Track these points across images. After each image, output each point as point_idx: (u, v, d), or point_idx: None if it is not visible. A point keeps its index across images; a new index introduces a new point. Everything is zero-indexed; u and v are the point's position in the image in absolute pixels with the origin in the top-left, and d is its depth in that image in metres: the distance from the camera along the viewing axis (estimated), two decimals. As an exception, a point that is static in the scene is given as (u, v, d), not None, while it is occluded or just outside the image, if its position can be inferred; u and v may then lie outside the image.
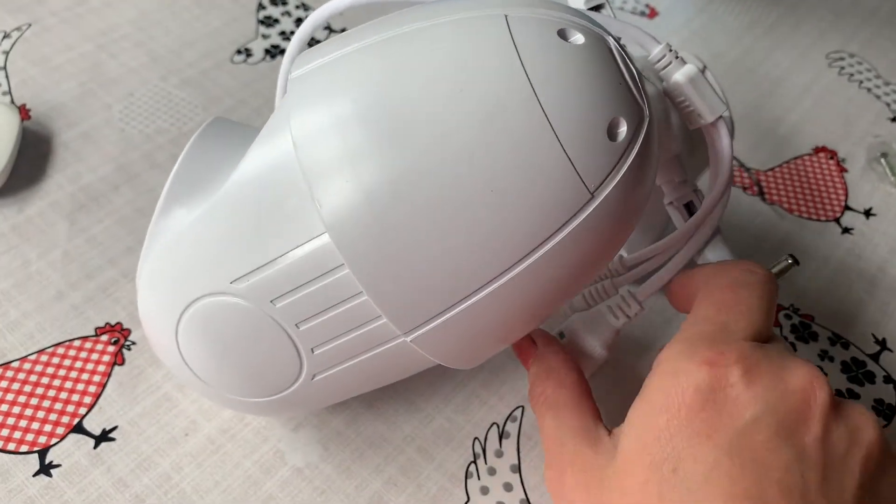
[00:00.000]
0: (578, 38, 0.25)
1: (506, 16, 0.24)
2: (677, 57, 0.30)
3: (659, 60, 0.31)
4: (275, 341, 0.26)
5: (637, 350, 0.37)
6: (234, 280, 0.26)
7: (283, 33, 0.50)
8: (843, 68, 0.54)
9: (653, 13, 0.56)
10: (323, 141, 0.24)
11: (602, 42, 0.25)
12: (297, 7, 0.52)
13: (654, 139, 0.26)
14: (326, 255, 0.24)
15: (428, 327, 0.25)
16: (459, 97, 0.23)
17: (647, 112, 0.25)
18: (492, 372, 0.36)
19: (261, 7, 0.51)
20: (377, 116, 0.24)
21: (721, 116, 0.30)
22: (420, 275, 0.24)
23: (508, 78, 0.23)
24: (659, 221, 0.36)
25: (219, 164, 0.27)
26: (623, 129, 0.24)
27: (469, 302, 0.25)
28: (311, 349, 0.26)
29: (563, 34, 0.24)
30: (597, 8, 0.33)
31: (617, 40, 0.26)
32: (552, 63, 0.24)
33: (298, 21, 0.51)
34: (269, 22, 0.50)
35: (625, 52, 0.26)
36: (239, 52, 0.48)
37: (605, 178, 0.24)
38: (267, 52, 0.48)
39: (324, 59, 0.26)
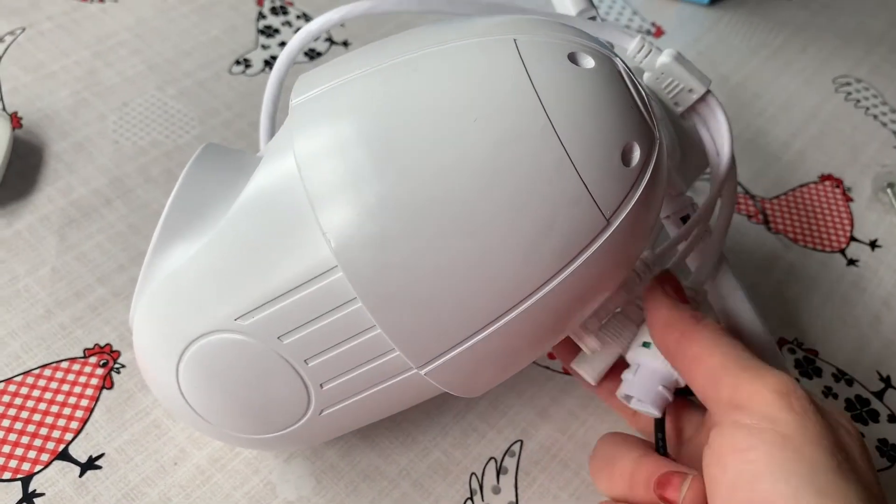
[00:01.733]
0: (588, 61, 0.24)
1: (515, 40, 0.24)
2: (654, 47, 0.31)
3: (639, 52, 0.31)
4: (282, 378, 0.25)
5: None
6: (239, 316, 0.25)
7: (283, 44, 0.49)
8: (849, 94, 0.53)
9: (659, 32, 0.55)
10: (329, 167, 0.23)
11: (611, 65, 0.24)
12: (299, 17, 0.51)
13: (664, 161, 0.25)
14: (338, 289, 0.24)
15: (443, 360, 0.24)
16: (473, 125, 0.23)
17: (657, 135, 0.25)
18: (490, 403, 0.35)
19: (261, 16, 0.50)
20: (386, 143, 0.23)
21: (709, 90, 0.31)
22: (436, 307, 0.23)
23: (523, 105, 0.23)
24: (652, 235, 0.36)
25: (217, 194, 0.26)
26: (637, 154, 0.24)
27: (484, 333, 0.24)
28: (321, 385, 0.25)
29: (573, 58, 0.24)
30: (591, 19, 0.33)
31: (623, 60, 0.26)
32: (565, 89, 0.23)
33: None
34: (269, 32, 0.49)
35: (632, 72, 0.25)
36: (238, 62, 0.47)
37: (621, 204, 0.24)
38: (266, 63, 0.47)
39: (326, 84, 0.25)
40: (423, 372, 0.25)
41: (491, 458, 0.33)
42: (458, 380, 0.26)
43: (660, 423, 0.30)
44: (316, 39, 0.48)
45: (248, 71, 0.47)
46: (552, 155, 0.23)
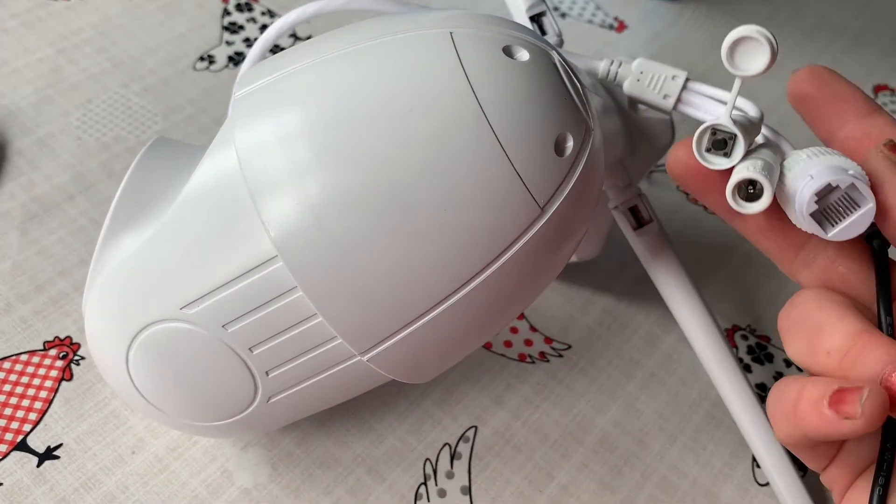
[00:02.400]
0: (523, 54, 0.25)
1: (451, 33, 0.24)
2: (620, 63, 0.31)
3: (609, 69, 0.31)
4: (228, 366, 0.26)
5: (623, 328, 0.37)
6: (185, 305, 0.25)
7: (247, 40, 0.49)
8: (808, 86, 0.54)
9: (622, 27, 0.56)
10: (269, 158, 0.24)
11: (547, 57, 0.25)
12: (263, 13, 0.51)
13: (599, 151, 0.26)
14: (278, 278, 0.24)
15: (384, 346, 0.25)
16: (408, 116, 0.23)
17: (592, 125, 0.25)
18: (446, 391, 0.35)
19: (226, 13, 0.51)
20: (325, 134, 0.23)
21: (688, 77, 0.31)
22: (375, 295, 0.24)
23: (457, 97, 0.23)
24: (605, 226, 0.36)
25: (164, 185, 0.27)
26: (570, 144, 0.24)
27: (425, 319, 0.25)
28: (266, 372, 0.26)
29: (508, 51, 0.25)
30: (538, 16, 0.33)
31: (559, 53, 0.26)
32: (499, 81, 0.24)
33: (263, 27, 0.50)
34: (233, 28, 0.50)
35: (568, 64, 0.26)
36: (202, 58, 0.48)
37: (554, 193, 0.24)
38: (230, 59, 0.48)
39: (268, 77, 0.25)
40: (365, 359, 0.25)
41: (445, 444, 0.34)
42: (403, 366, 0.26)
43: (883, 281, 0.22)
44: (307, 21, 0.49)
45: (212, 67, 0.47)
46: (486, 145, 0.23)
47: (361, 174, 0.23)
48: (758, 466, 0.35)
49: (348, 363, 0.26)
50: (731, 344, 0.39)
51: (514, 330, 0.38)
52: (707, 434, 0.36)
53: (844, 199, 0.22)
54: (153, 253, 0.26)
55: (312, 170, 0.23)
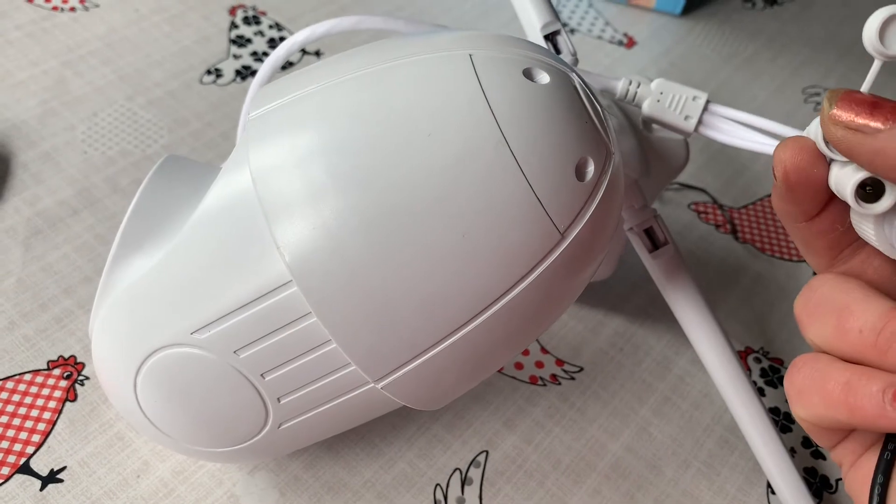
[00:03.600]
0: (544, 77, 0.24)
1: (470, 55, 0.24)
2: (639, 84, 0.31)
3: (628, 89, 0.31)
4: (239, 392, 0.25)
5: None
6: (196, 330, 0.25)
7: (254, 54, 0.49)
8: (818, 104, 0.54)
9: (631, 43, 0.55)
10: (284, 180, 0.23)
11: (567, 80, 0.25)
12: (271, 27, 0.51)
13: (619, 175, 0.25)
14: (292, 303, 0.24)
15: (399, 373, 0.25)
16: (427, 141, 0.23)
17: (612, 149, 0.25)
18: (456, 414, 0.35)
19: (233, 26, 0.50)
20: (341, 157, 0.23)
21: (709, 99, 0.30)
22: (391, 321, 0.24)
23: (477, 121, 0.23)
24: (619, 246, 0.36)
25: (176, 206, 0.26)
26: (591, 169, 0.24)
27: (441, 346, 0.24)
28: (278, 399, 0.26)
29: (528, 74, 0.24)
30: (553, 35, 0.33)
31: (579, 75, 0.26)
32: (519, 105, 0.23)
33: (271, 41, 0.50)
34: (241, 42, 0.49)
35: (588, 86, 0.26)
36: (209, 72, 0.47)
37: (575, 218, 0.24)
38: (238, 72, 0.47)
39: (283, 98, 0.25)
40: (379, 386, 0.25)
41: (456, 469, 0.33)
42: (416, 393, 0.26)
43: None
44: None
45: (219, 81, 0.47)
46: (506, 170, 0.23)
47: (378, 199, 0.23)
48: (773, 492, 0.34)
49: (362, 390, 0.25)
50: (745, 367, 0.39)
51: (525, 352, 0.38)
52: (720, 459, 0.35)
53: None
54: (164, 276, 0.25)
55: (329, 193, 0.23)
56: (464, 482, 0.33)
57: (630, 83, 0.31)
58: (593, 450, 0.35)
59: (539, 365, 0.37)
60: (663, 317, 0.34)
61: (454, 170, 0.23)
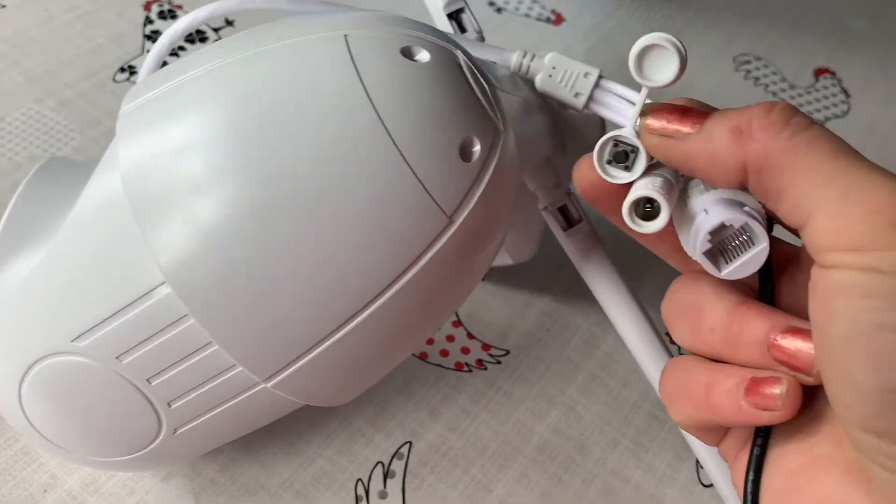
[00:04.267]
0: (424, 55, 0.23)
1: (345, 36, 0.23)
2: (532, 57, 0.30)
3: (521, 62, 0.30)
4: (127, 399, 0.24)
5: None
6: (76, 337, 0.24)
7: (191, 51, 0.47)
8: (749, 72, 0.53)
9: (559, 19, 0.55)
10: (153, 177, 0.22)
11: (450, 57, 0.24)
12: (188, 20, 0.49)
13: (510, 153, 0.25)
14: (169, 305, 0.23)
15: (289, 371, 0.24)
16: (300, 127, 0.22)
17: (501, 126, 0.24)
18: (379, 407, 0.34)
19: (148, 21, 0.49)
20: (211, 149, 0.22)
21: (601, 74, 0.29)
22: (274, 319, 0.23)
23: (351, 104, 0.22)
24: (538, 227, 0.35)
25: (54, 210, 0.25)
26: (477, 149, 0.23)
27: (331, 341, 0.23)
28: (168, 403, 0.25)
29: (407, 52, 0.23)
30: (456, 13, 0.32)
31: (466, 53, 0.25)
32: (397, 85, 0.22)
33: (188, 35, 0.49)
34: (156, 37, 0.48)
35: (475, 64, 0.25)
36: (122, 69, 0.46)
37: (463, 200, 0.23)
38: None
39: (156, 90, 0.24)
40: (270, 385, 0.24)
41: (378, 463, 0.32)
42: (313, 390, 0.25)
43: (765, 265, 0.21)
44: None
45: (133, 78, 0.45)
46: (385, 154, 0.22)
47: (252, 192, 0.22)
48: (701, 467, 0.34)
49: (253, 391, 0.24)
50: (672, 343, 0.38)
51: (450, 338, 0.37)
52: (649, 436, 0.35)
53: (739, 233, 0.21)
54: (40, 283, 0.24)
55: (199, 189, 0.22)
56: (386, 475, 0.32)
57: (524, 56, 0.30)
58: (520, 433, 0.34)
59: (465, 351, 0.37)
60: (590, 294, 0.34)
61: (330, 157, 0.22)
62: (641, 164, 0.22)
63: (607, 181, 0.22)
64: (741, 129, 0.20)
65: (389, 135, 0.22)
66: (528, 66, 0.30)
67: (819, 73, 0.54)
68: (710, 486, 0.33)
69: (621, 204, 0.22)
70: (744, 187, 0.21)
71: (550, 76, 0.29)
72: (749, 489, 0.21)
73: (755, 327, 0.21)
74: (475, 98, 0.24)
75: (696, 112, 0.21)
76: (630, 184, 0.22)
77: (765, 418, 0.20)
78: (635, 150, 0.22)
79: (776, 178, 0.19)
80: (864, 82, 0.54)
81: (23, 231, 0.25)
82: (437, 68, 0.23)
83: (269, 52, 0.23)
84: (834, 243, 0.18)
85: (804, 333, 0.20)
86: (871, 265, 0.18)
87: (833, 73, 0.54)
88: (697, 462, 0.34)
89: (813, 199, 0.19)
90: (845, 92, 0.53)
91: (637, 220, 0.22)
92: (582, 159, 0.23)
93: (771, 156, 0.19)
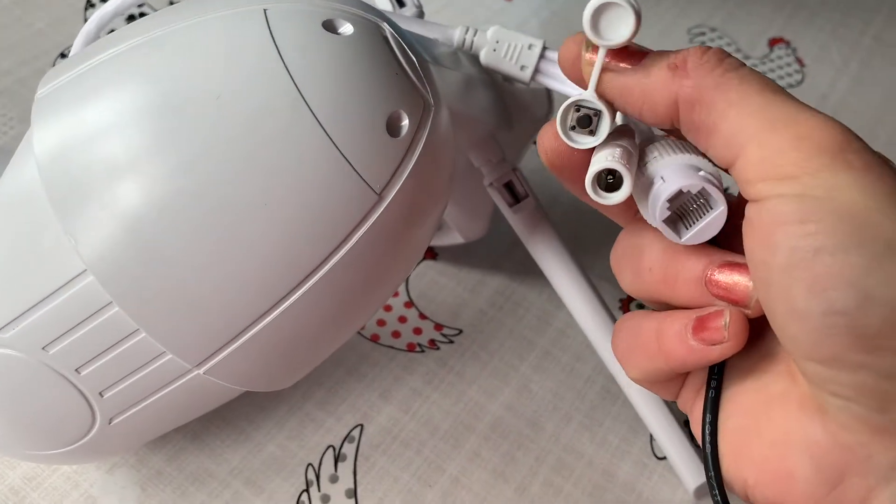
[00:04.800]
0: (347, 28, 0.23)
1: (265, 10, 0.22)
2: (475, 32, 0.29)
3: (464, 37, 0.30)
4: (57, 390, 0.24)
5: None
6: (0, 329, 0.23)
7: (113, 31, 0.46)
8: (703, 43, 0.53)
9: (512, -6, 0.54)
10: (69, 162, 0.22)
11: (375, 30, 0.23)
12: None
13: (443, 128, 0.24)
14: (92, 294, 0.22)
15: (220, 356, 0.23)
16: (217, 105, 0.21)
17: (431, 100, 0.24)
18: (330, 390, 0.34)
19: (90, 5, 0.48)
20: (127, 131, 0.21)
21: (546, 46, 0.29)
22: (200, 303, 0.22)
23: (270, 79, 0.21)
24: (488, 204, 0.35)
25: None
26: (405, 123, 0.23)
27: (261, 325, 0.23)
28: (100, 394, 0.24)
29: (329, 25, 0.23)
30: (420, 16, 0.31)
31: (393, 25, 0.24)
32: (317, 59, 0.22)
33: (131, 18, 0.47)
34: (97, 21, 0.47)
35: (403, 38, 0.24)
36: (63, 55, 0.45)
37: (392, 176, 0.22)
38: (94, 54, 0.45)
39: (71, 73, 0.23)
40: (202, 371, 0.23)
41: (329, 447, 0.32)
42: (249, 375, 0.24)
43: None
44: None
45: (74, 64, 0.44)
46: (307, 131, 0.21)
47: (171, 174, 0.21)
48: (655, 440, 0.34)
49: (187, 378, 0.24)
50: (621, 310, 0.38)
51: (402, 319, 0.37)
52: (603, 410, 0.35)
53: (696, 197, 0.21)
54: (-39, 274, 0.23)
55: (116, 173, 0.21)
56: (337, 459, 0.32)
57: (467, 31, 0.30)
58: (472, 412, 0.34)
59: (417, 331, 0.36)
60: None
61: (249, 135, 0.21)
62: (605, 126, 0.22)
63: (572, 147, 0.22)
64: (677, 66, 0.20)
65: (311, 110, 0.21)
66: (472, 42, 0.29)
67: (773, 42, 0.54)
68: (664, 458, 0.33)
69: (582, 174, 0.22)
70: (675, 128, 0.21)
71: (495, 50, 0.29)
72: (707, 430, 0.21)
73: (691, 265, 0.21)
74: (402, 71, 0.23)
75: (636, 51, 0.21)
76: (591, 151, 0.22)
77: (715, 353, 0.21)
78: (598, 113, 0.22)
79: (708, 112, 0.20)
80: (819, 51, 0.54)
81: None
82: (361, 41, 0.23)
83: (185, 28, 0.23)
84: (766, 172, 0.19)
85: (740, 267, 0.21)
86: (804, 191, 0.18)
87: (788, 43, 0.54)
88: (651, 436, 0.34)
89: (743, 131, 0.19)
90: (799, 61, 0.53)
91: (601, 192, 0.21)
92: (545, 127, 0.23)
93: (704, 90, 0.20)
